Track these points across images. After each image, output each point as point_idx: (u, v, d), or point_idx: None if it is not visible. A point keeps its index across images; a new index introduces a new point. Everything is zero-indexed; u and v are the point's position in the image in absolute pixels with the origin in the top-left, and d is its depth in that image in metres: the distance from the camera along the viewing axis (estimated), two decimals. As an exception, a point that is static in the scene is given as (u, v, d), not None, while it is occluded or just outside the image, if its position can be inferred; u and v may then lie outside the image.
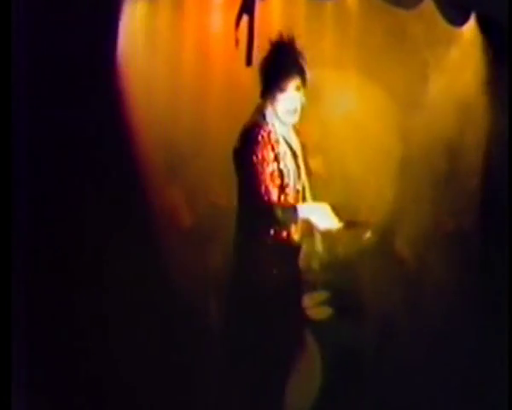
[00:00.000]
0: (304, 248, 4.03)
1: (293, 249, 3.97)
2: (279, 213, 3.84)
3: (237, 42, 4.03)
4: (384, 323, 4.72)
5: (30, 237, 4.36)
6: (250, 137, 3.90)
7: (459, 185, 4.91)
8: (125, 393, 4.53)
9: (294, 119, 3.97)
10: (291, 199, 3.96)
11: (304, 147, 4.13)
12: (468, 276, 4.78)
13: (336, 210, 3.94)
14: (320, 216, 3.91)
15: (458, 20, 4.69)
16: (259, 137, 3.90)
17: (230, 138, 4.70)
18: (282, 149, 3.96)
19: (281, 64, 3.88)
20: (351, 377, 4.47)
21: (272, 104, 3.91)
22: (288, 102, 3.91)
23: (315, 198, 4.07)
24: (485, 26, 4.78)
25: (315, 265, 4.11)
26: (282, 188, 3.94)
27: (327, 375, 4.18)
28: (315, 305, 4.16)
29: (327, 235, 4.00)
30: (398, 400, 4.42)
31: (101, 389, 4.50)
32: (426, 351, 4.63)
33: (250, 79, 4.31)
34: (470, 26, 4.73)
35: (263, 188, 3.84)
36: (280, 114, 3.93)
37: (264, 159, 3.88)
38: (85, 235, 4.60)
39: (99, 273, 4.61)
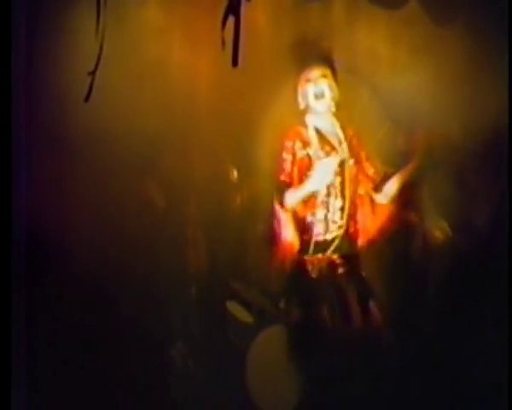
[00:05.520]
0: None
1: None
2: None
3: (224, 43, 4.02)
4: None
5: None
6: None
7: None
8: (124, 393, 4.59)
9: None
10: None
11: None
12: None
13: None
14: None
15: (445, 21, 4.70)
16: None
17: (217, 139, 4.76)
18: None
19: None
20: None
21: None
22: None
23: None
24: (472, 27, 4.77)
25: None
26: None
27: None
28: None
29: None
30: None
31: (100, 390, 4.55)
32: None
33: (236, 79, 4.40)
34: (457, 27, 4.73)
35: None
36: None
37: None
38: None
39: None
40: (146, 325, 4.80)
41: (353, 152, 4.40)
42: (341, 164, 4.33)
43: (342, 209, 4.33)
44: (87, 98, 4.26)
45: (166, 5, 4.76)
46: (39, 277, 4.47)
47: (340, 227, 4.34)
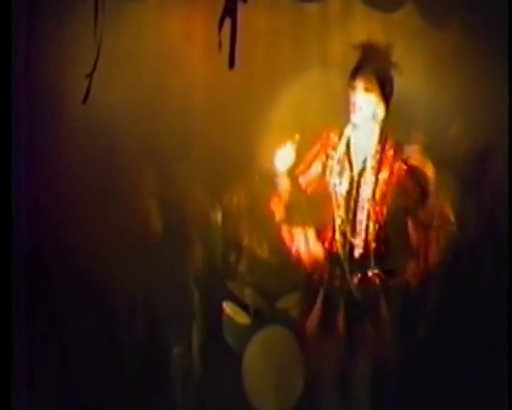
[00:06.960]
0: None
1: None
2: None
3: (220, 45, 4.03)
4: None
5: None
6: None
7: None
8: (123, 394, 4.63)
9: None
10: None
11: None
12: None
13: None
14: None
15: (440, 23, 4.72)
16: None
17: (215, 139, 4.79)
18: None
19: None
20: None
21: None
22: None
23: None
24: (468, 30, 4.79)
25: None
26: None
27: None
28: None
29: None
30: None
31: (100, 391, 4.59)
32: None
33: (232, 81, 4.43)
34: (452, 30, 4.74)
35: None
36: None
37: None
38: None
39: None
40: (145, 327, 4.84)
41: (384, 166, 3.99)
42: (351, 183, 3.99)
43: (353, 225, 3.97)
44: (85, 100, 4.28)
45: (164, 7, 4.80)
46: (39, 278, 4.50)
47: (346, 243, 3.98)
